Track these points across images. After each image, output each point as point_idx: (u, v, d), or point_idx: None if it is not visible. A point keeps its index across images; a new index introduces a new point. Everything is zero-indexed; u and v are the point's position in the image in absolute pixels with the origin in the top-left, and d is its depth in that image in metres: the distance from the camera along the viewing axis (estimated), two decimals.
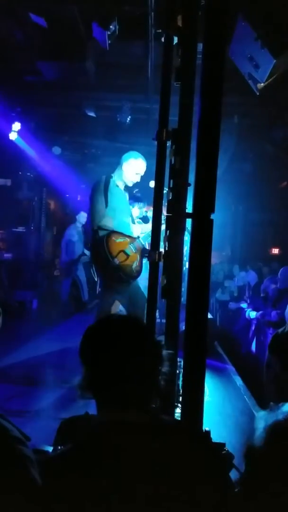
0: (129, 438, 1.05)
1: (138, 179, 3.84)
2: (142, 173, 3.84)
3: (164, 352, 1.18)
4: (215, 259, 9.82)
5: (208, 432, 1.70)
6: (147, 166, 3.81)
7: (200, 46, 1.90)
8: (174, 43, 2.13)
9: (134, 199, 4.68)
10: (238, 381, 4.54)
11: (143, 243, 3.86)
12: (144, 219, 4.52)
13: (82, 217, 7.88)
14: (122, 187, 3.82)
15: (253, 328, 5.82)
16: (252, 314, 5.88)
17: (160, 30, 3.32)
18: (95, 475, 0.99)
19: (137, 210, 4.70)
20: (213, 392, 4.02)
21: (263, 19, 2.99)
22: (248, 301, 7.04)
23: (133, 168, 3.77)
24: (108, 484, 0.97)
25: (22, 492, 0.93)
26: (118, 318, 1.29)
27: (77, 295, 8.16)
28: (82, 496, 0.96)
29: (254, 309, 6.09)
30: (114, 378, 1.11)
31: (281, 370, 1.55)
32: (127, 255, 3.64)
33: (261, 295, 6.29)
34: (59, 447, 1.41)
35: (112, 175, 3.79)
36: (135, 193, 4.23)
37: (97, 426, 1.12)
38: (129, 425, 1.08)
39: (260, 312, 5.69)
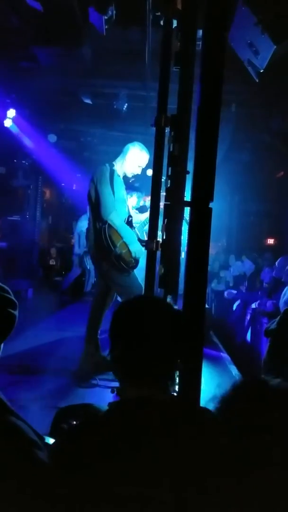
0: (157, 415, 1.06)
1: (139, 171, 3.78)
2: (144, 166, 3.79)
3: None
4: (211, 249, 9.78)
5: None
6: None
7: (199, 33, 1.86)
8: (173, 27, 2.09)
9: (132, 188, 4.63)
10: (234, 370, 4.56)
11: (138, 234, 3.83)
12: (141, 209, 4.48)
13: None
14: (121, 176, 3.76)
15: (248, 317, 5.84)
16: (253, 305, 5.90)
17: (158, 13, 3.25)
18: (120, 451, 0.99)
19: (134, 199, 4.66)
20: (208, 381, 4.03)
21: (264, 3, 2.94)
22: (244, 291, 7.06)
23: (137, 160, 3.70)
24: (134, 459, 0.98)
25: (33, 499, 0.93)
26: (152, 298, 1.42)
27: (80, 285, 8.13)
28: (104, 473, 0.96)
29: (250, 299, 6.10)
30: (145, 354, 1.13)
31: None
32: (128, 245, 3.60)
33: (264, 284, 6.29)
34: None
35: (114, 163, 3.72)
36: (131, 183, 4.18)
37: (125, 402, 1.13)
38: (157, 402, 1.09)
39: (257, 301, 5.70)
